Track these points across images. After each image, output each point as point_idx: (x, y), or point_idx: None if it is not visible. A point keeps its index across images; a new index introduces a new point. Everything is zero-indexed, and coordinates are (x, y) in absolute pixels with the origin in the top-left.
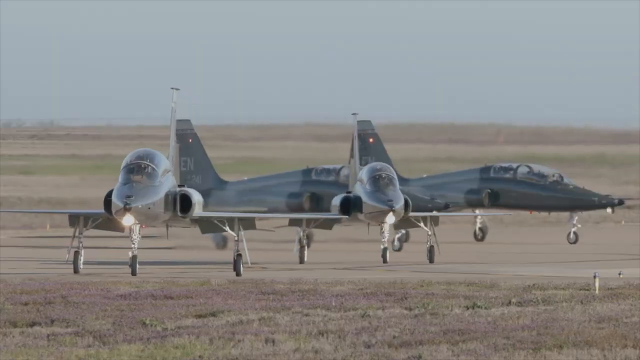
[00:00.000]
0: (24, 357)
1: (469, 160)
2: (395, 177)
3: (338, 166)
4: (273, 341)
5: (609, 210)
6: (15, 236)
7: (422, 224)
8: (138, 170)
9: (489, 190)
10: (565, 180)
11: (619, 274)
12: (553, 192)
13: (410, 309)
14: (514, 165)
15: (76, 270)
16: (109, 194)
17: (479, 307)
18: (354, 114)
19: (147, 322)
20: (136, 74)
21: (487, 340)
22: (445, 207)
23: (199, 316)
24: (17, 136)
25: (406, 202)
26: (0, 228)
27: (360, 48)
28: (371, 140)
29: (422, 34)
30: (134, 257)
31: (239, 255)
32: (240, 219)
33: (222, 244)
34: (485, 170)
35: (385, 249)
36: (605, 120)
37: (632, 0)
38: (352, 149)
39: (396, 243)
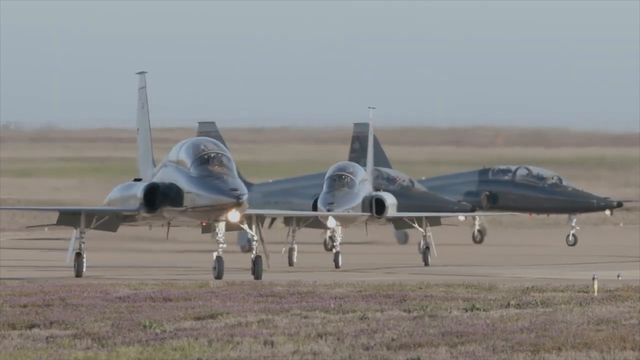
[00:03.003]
0: (22, 359)
1: (468, 162)
2: (356, 178)
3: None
4: (272, 343)
5: (607, 212)
6: (14, 238)
7: (416, 225)
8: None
9: (488, 193)
10: (564, 182)
11: (618, 276)
12: (552, 194)
13: (409, 311)
14: (513, 168)
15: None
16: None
17: (477, 309)
18: (371, 107)
19: (146, 324)
20: (135, 77)
21: (486, 342)
22: (472, 210)
23: (198, 318)
24: (15, 139)
25: (380, 202)
26: None
27: (360, 51)
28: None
29: (421, 37)
30: (218, 258)
31: (258, 258)
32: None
33: (248, 246)
34: (484, 172)
35: (337, 253)
36: (604, 122)
37: (632, 1)
38: (367, 147)
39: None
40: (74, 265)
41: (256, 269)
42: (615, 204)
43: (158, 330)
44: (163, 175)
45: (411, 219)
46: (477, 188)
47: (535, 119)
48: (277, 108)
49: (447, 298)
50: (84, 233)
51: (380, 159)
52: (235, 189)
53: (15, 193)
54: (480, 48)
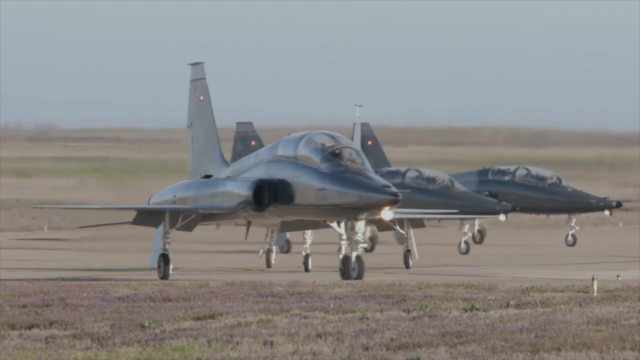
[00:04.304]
0: (22, 359)
1: (468, 162)
2: None
3: None
4: (271, 343)
5: (606, 212)
6: (13, 238)
7: (397, 226)
8: None
9: (487, 193)
10: (564, 182)
11: (617, 276)
12: (551, 194)
13: (409, 311)
14: (512, 168)
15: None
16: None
17: (477, 309)
18: (358, 105)
19: (146, 324)
20: (135, 76)
21: (485, 343)
22: (618, 206)
23: (198, 318)
24: (15, 138)
25: None
26: None
27: (359, 51)
28: (370, 142)
29: (421, 37)
30: (358, 258)
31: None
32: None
33: (287, 247)
34: (484, 172)
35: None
36: (604, 122)
37: (631, 1)
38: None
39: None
40: (159, 267)
41: (347, 269)
42: (614, 204)
43: (157, 331)
44: (267, 172)
45: (392, 220)
46: (476, 188)
47: (535, 119)
48: (276, 108)
49: (447, 298)
50: (169, 233)
51: (380, 159)
52: (387, 186)
53: (14, 193)
54: (480, 48)
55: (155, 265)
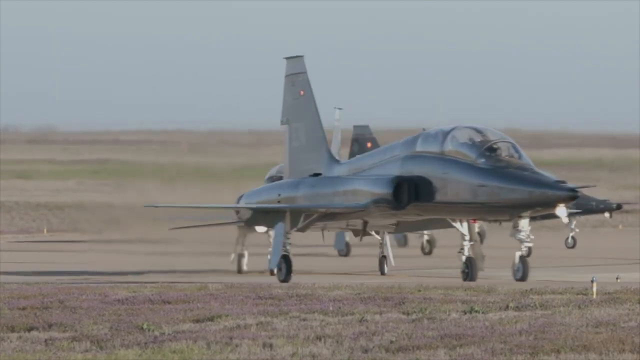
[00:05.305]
0: None
1: None
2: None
3: None
4: (271, 346)
5: (606, 214)
6: (13, 241)
7: (373, 232)
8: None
9: None
10: None
11: (617, 278)
12: None
13: (408, 314)
14: None
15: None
16: None
17: (476, 311)
18: (337, 108)
19: (145, 326)
20: (134, 78)
21: (485, 345)
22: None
23: (197, 321)
24: (14, 141)
25: None
26: None
27: (357, 53)
28: (369, 144)
29: (421, 38)
30: (522, 258)
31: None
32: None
33: (345, 251)
34: None
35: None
36: (603, 124)
37: (631, 2)
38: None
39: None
40: (280, 270)
41: (471, 271)
42: (614, 206)
43: (157, 333)
44: (404, 168)
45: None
46: None
47: (534, 121)
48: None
49: (446, 300)
50: (290, 233)
51: None
52: (562, 182)
53: (14, 195)
54: (479, 49)
55: (276, 267)
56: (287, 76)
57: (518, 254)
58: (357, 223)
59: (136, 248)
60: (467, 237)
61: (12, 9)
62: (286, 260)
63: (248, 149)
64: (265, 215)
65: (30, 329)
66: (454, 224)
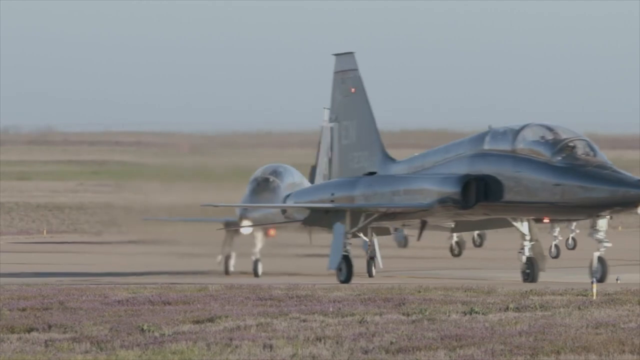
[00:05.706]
0: None
1: None
2: (282, 182)
3: None
4: (271, 347)
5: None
6: (13, 242)
7: (361, 234)
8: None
9: None
10: None
11: (617, 279)
12: None
13: (408, 315)
14: None
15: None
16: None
17: (476, 312)
18: (327, 108)
19: (145, 327)
20: (134, 79)
21: (485, 346)
22: None
23: (197, 322)
24: (14, 142)
25: None
26: None
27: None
28: None
29: (421, 39)
30: (600, 259)
31: None
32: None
33: (404, 243)
34: None
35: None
36: (603, 125)
37: (631, 3)
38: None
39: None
40: (339, 270)
41: (532, 271)
42: None
43: (157, 334)
44: (472, 167)
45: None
46: None
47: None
48: (275, 112)
49: (446, 301)
50: (350, 233)
51: None
52: None
53: (14, 196)
54: (479, 50)
55: (336, 268)
56: (336, 73)
57: (596, 254)
58: (414, 223)
59: (136, 249)
60: (528, 237)
61: (12, 9)
62: (347, 260)
63: (248, 150)
64: (323, 215)
65: (30, 330)
66: (514, 223)
